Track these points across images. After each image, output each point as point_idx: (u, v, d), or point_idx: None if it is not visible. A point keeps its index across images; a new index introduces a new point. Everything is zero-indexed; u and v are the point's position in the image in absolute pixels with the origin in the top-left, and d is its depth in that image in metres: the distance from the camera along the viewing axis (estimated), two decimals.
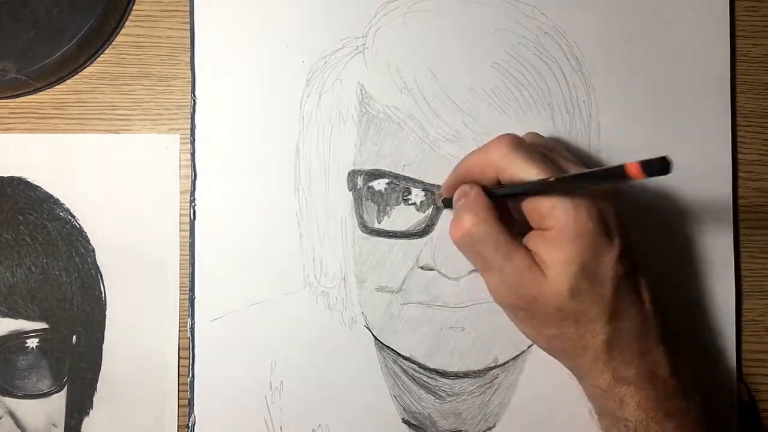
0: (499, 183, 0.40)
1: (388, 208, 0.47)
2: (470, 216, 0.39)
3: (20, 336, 0.46)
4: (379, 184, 0.47)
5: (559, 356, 0.41)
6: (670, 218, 0.48)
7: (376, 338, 0.47)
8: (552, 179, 0.36)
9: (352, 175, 0.47)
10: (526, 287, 0.38)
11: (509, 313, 0.41)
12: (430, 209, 0.46)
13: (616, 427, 0.39)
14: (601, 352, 0.38)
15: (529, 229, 0.39)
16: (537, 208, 0.38)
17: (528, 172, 0.37)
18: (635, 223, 0.47)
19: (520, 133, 0.47)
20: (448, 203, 0.44)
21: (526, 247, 0.38)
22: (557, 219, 0.37)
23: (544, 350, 0.41)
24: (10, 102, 0.47)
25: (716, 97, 0.48)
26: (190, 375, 0.46)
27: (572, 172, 0.39)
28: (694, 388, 0.40)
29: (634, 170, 0.31)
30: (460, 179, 0.42)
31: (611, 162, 0.47)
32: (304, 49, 0.47)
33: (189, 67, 0.47)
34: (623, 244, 0.38)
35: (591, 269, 0.37)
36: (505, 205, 0.41)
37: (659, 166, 0.29)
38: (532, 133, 0.44)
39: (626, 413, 0.38)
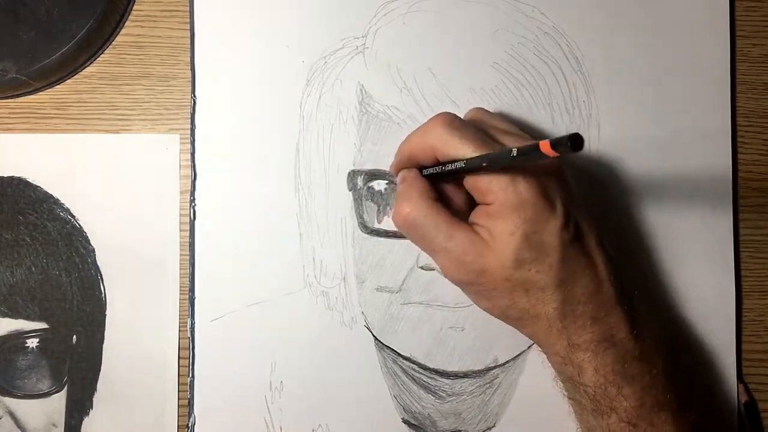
0: (439, 162, 0.40)
1: (388, 208, 0.47)
2: (406, 202, 0.39)
3: (20, 336, 0.46)
4: (379, 184, 0.47)
5: (516, 326, 0.41)
6: (670, 218, 0.48)
7: (376, 338, 0.47)
8: (479, 161, 0.36)
9: (352, 175, 0.47)
10: (472, 262, 0.38)
11: (463, 290, 0.41)
12: None
13: (577, 392, 0.39)
14: (554, 319, 0.38)
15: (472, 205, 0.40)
16: (476, 184, 0.38)
17: (463, 150, 0.37)
18: (635, 223, 0.47)
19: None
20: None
21: (470, 223, 0.39)
22: (496, 194, 0.37)
23: (503, 320, 0.41)
24: (10, 102, 0.47)
25: (716, 97, 0.48)
26: (190, 375, 0.46)
27: (507, 143, 0.39)
28: (658, 351, 0.39)
29: (545, 148, 0.31)
30: (402, 162, 0.42)
31: (611, 161, 0.47)
32: (304, 49, 0.47)
33: (189, 67, 0.47)
34: (566, 210, 0.38)
35: (535, 238, 0.37)
36: (452, 182, 0.41)
37: (570, 143, 0.29)
38: (477, 108, 0.44)
39: (584, 379, 0.38)
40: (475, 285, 0.39)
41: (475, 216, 0.39)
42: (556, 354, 0.39)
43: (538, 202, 0.37)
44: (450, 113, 0.40)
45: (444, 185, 0.41)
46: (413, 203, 0.39)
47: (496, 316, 0.41)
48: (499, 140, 0.39)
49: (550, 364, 0.41)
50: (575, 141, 0.30)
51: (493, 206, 0.38)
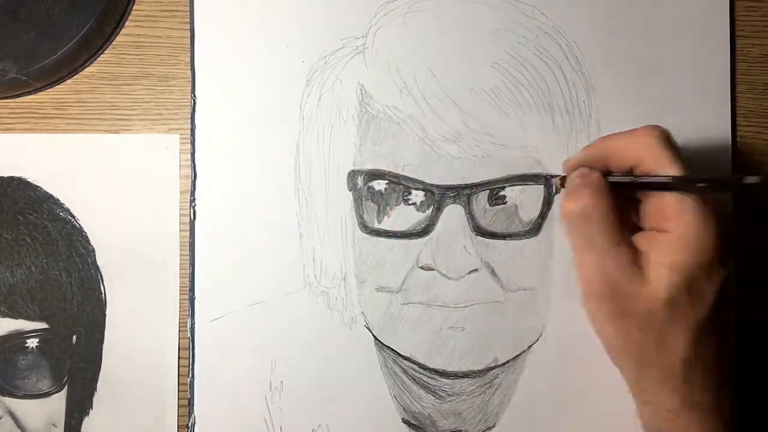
0: (628, 174, 0.39)
1: (388, 208, 0.47)
2: (590, 192, 0.37)
3: (20, 336, 0.46)
4: (379, 184, 0.47)
5: (628, 363, 0.39)
6: None
7: (376, 338, 0.47)
8: (693, 178, 0.35)
9: (352, 175, 0.47)
10: (623, 281, 0.36)
11: (592, 302, 0.38)
12: (430, 209, 0.46)
13: None
14: (678, 371, 0.36)
15: (635, 231, 0.38)
16: (662, 207, 0.36)
17: (670, 168, 0.36)
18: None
19: (521, 134, 0.47)
20: (564, 183, 0.41)
21: (633, 245, 0.37)
22: (681, 223, 0.35)
23: (613, 353, 0.39)
24: (10, 102, 0.47)
25: (716, 97, 0.48)
26: (190, 375, 0.46)
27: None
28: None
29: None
30: (591, 158, 0.40)
31: None
32: (304, 49, 0.47)
33: (189, 67, 0.47)
34: (729, 270, 0.37)
35: (696, 284, 0.35)
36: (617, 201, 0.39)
37: None
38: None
39: None
40: (611, 303, 0.37)
41: (642, 239, 0.37)
42: (662, 406, 0.37)
43: (716, 249, 0.35)
44: (663, 128, 0.38)
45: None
46: (597, 198, 0.37)
47: (610, 345, 0.39)
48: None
49: (641, 415, 0.39)
50: None
51: (669, 235, 0.36)
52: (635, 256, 0.36)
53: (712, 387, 0.37)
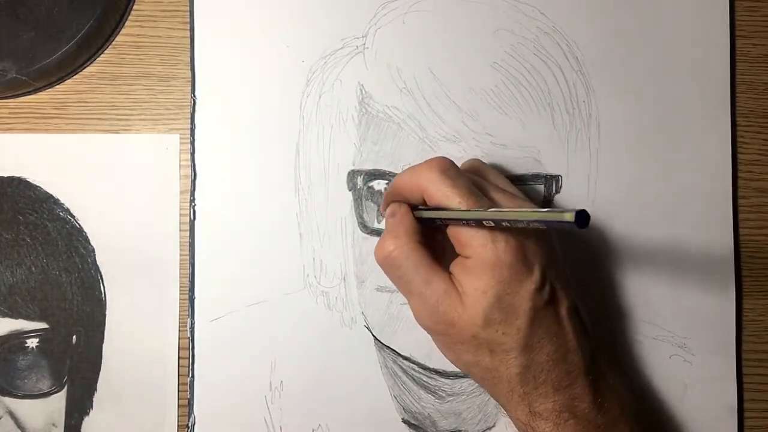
0: (423, 205, 0.40)
1: None
2: (392, 238, 0.39)
3: (20, 336, 0.46)
4: (379, 184, 0.47)
5: (480, 383, 0.41)
6: (669, 218, 0.48)
7: (376, 338, 0.47)
8: (466, 219, 0.36)
9: (352, 175, 0.47)
10: (443, 312, 0.38)
11: (432, 337, 0.40)
12: None
13: None
14: (516, 384, 0.38)
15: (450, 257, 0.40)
16: (458, 236, 0.38)
17: (451, 200, 0.37)
18: (635, 223, 0.47)
19: (521, 134, 0.47)
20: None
21: (449, 272, 0.38)
22: (475, 249, 0.37)
23: (466, 374, 0.41)
24: (10, 102, 0.47)
25: (716, 97, 0.48)
26: (190, 375, 0.46)
27: (501, 205, 0.38)
28: (624, 418, 0.39)
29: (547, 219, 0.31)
30: (392, 196, 0.42)
31: (610, 161, 0.47)
32: (304, 49, 0.47)
33: (189, 67, 0.47)
34: (543, 275, 0.37)
35: (506, 300, 0.37)
36: (433, 227, 0.40)
37: (577, 222, 0.29)
38: (474, 159, 0.44)
39: None
40: (443, 335, 0.39)
41: (454, 267, 0.39)
42: (518, 419, 0.39)
43: (515, 264, 0.37)
44: (447, 159, 0.39)
45: (430, 227, 0.40)
46: (398, 242, 0.39)
47: (459, 369, 0.41)
48: (491, 197, 0.39)
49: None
50: (582, 219, 0.29)
51: (470, 261, 0.37)
52: (451, 285, 0.38)
53: (555, 392, 0.38)
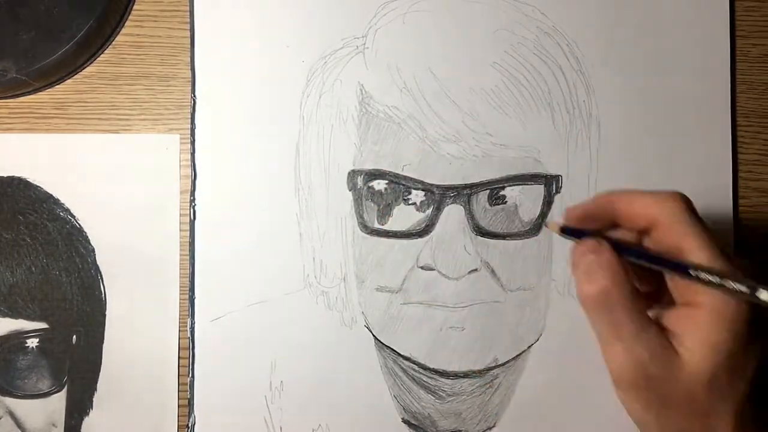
0: (637, 237, 0.35)
1: (388, 208, 0.47)
2: (608, 273, 0.33)
3: (20, 336, 0.46)
4: (379, 184, 0.47)
5: None
6: None
7: (376, 338, 0.47)
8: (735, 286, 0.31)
9: (352, 175, 0.47)
10: (658, 366, 0.33)
11: (627, 392, 0.34)
12: (430, 209, 0.46)
13: None
14: None
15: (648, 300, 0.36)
16: (688, 281, 0.33)
17: (700, 256, 0.32)
18: None
19: (521, 134, 0.47)
20: (569, 232, 0.36)
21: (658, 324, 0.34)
22: (713, 297, 0.32)
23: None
24: (10, 102, 0.47)
25: (716, 97, 0.48)
26: (190, 375, 0.46)
27: (737, 263, 0.33)
28: None
29: None
30: (600, 208, 0.36)
31: (611, 161, 0.47)
32: (304, 49, 0.47)
33: (189, 67, 0.47)
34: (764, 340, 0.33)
35: (736, 360, 0.32)
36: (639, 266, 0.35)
37: None
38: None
39: None
40: (648, 392, 0.33)
41: (669, 317, 0.34)
42: None
43: (749, 321, 0.32)
44: (687, 197, 0.34)
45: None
46: (616, 279, 0.33)
47: None
48: (727, 253, 0.33)
49: None
50: None
51: (700, 311, 0.32)
52: (666, 338, 0.33)
53: None
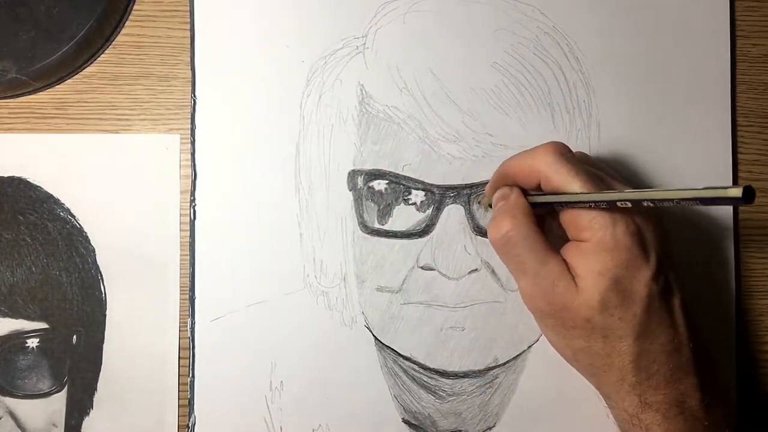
0: (538, 189, 0.40)
1: (388, 208, 0.47)
2: (509, 218, 0.39)
3: (20, 336, 0.46)
4: (379, 184, 0.47)
5: (585, 371, 0.40)
6: (669, 218, 0.48)
7: (376, 338, 0.47)
8: (598, 201, 0.36)
9: (352, 175, 0.47)
10: (557, 294, 0.37)
11: (538, 319, 0.40)
12: (430, 209, 0.46)
13: None
14: (628, 372, 0.37)
15: (563, 240, 0.39)
16: (575, 219, 0.37)
17: (572, 184, 0.37)
18: None
19: (521, 134, 0.47)
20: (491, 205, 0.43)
21: (562, 257, 0.38)
22: (594, 232, 0.37)
23: (570, 363, 0.40)
24: (10, 102, 0.47)
25: (716, 97, 0.48)
26: (190, 375, 0.46)
27: (619, 189, 0.38)
28: (728, 423, 0.38)
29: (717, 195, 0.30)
30: (501, 180, 0.41)
31: (611, 161, 0.47)
32: (304, 49, 0.47)
33: (189, 67, 0.47)
34: (659, 262, 0.37)
35: (624, 284, 0.36)
36: (541, 213, 0.40)
37: (744, 198, 0.29)
38: (582, 152, 0.44)
39: None
40: (553, 318, 0.38)
41: (566, 251, 0.38)
42: (624, 410, 0.38)
43: (633, 248, 0.36)
44: (562, 143, 0.39)
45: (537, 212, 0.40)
46: (516, 221, 0.38)
47: (565, 357, 0.40)
48: (611, 184, 0.38)
49: (613, 417, 0.40)
50: (748, 195, 0.29)
51: (587, 244, 0.37)
52: (565, 268, 0.38)
53: (667, 385, 0.37)
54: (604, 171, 0.40)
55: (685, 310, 0.39)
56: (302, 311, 0.46)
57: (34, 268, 0.46)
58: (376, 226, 0.47)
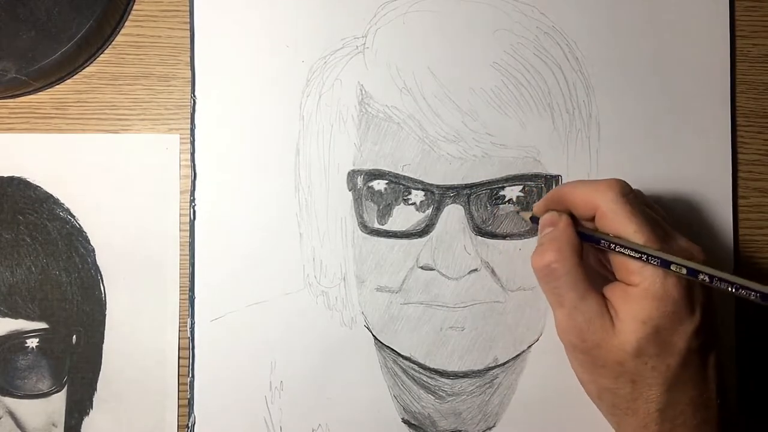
0: (591, 220, 0.39)
1: (388, 208, 0.47)
2: (554, 250, 0.39)
3: (20, 336, 0.46)
4: (379, 184, 0.47)
5: (608, 411, 0.40)
6: (669, 218, 0.48)
7: (375, 338, 0.47)
8: (658, 258, 0.36)
9: (352, 175, 0.47)
10: (592, 332, 0.37)
11: (569, 352, 0.40)
12: (430, 209, 0.46)
13: None
14: (652, 420, 0.37)
15: (605, 277, 0.39)
16: (626, 262, 0.37)
17: (627, 227, 0.37)
18: None
19: (521, 134, 0.47)
20: (536, 221, 0.43)
21: (603, 295, 0.38)
22: (644, 278, 0.36)
23: (593, 400, 0.41)
24: (10, 102, 0.47)
25: (716, 97, 0.48)
26: (190, 375, 0.46)
27: (680, 248, 0.38)
28: None
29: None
30: (554, 202, 0.41)
31: (611, 161, 0.47)
32: (304, 49, 0.47)
33: (189, 67, 0.47)
34: (703, 317, 0.37)
35: (663, 336, 0.36)
36: (588, 246, 0.40)
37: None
38: (638, 190, 0.43)
39: None
40: (585, 355, 0.38)
41: (611, 291, 0.38)
42: None
43: (680, 301, 0.36)
44: (626, 183, 0.39)
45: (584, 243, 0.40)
46: (561, 255, 0.38)
47: (589, 392, 0.40)
48: (667, 232, 0.38)
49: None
50: None
51: (635, 289, 0.37)
52: (604, 307, 0.38)
53: None
54: (658, 214, 0.40)
55: (719, 366, 0.38)
56: (302, 311, 0.46)
57: (33, 268, 0.46)
58: (376, 226, 0.47)
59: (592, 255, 0.43)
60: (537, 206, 0.43)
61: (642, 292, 0.37)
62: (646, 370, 0.37)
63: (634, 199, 0.38)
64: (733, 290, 0.33)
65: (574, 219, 0.40)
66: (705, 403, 0.38)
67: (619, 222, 0.37)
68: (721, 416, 0.38)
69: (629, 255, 0.37)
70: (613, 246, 0.38)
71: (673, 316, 0.36)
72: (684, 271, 0.35)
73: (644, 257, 0.36)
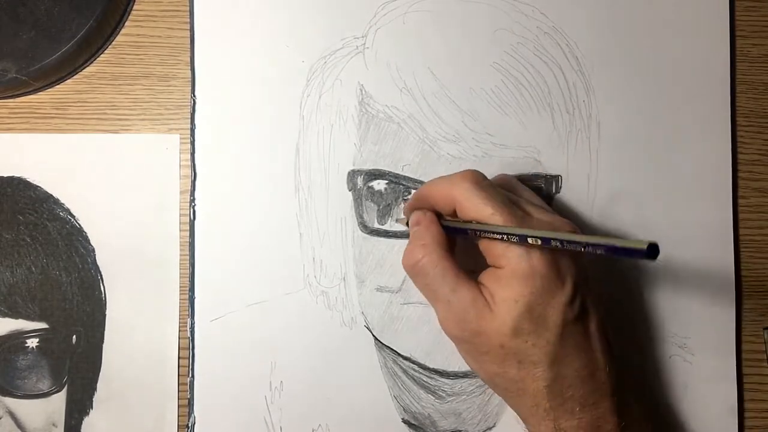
0: (455, 214, 0.40)
1: (388, 208, 0.47)
2: (420, 247, 0.39)
3: (20, 336, 0.46)
4: (379, 184, 0.47)
5: (502, 395, 0.40)
6: (669, 218, 0.48)
7: (376, 338, 0.47)
8: (509, 233, 0.36)
9: (352, 175, 0.47)
10: (470, 320, 0.37)
11: (456, 344, 0.40)
12: None
13: None
14: (542, 398, 0.37)
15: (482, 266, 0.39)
16: (491, 247, 0.38)
17: (483, 211, 0.37)
18: (634, 223, 0.47)
19: (521, 134, 0.47)
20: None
21: (476, 282, 0.38)
22: (509, 259, 0.37)
23: (489, 386, 0.41)
24: (10, 102, 0.47)
25: (716, 97, 0.48)
26: (190, 375, 0.46)
27: (537, 219, 0.38)
28: None
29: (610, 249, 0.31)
30: (419, 203, 0.42)
31: (611, 161, 0.47)
32: (304, 49, 0.47)
33: (189, 67, 0.47)
34: (575, 288, 0.37)
35: (537, 311, 0.37)
36: (465, 236, 0.40)
37: (647, 253, 0.29)
38: (504, 174, 0.44)
39: None
40: (468, 344, 0.39)
41: (484, 277, 0.39)
42: None
43: (548, 275, 0.37)
44: (479, 172, 0.40)
45: (455, 237, 0.41)
46: (426, 249, 0.39)
47: (483, 380, 0.41)
48: (527, 211, 0.39)
49: None
50: (652, 251, 0.29)
51: (503, 270, 0.37)
52: (478, 294, 0.38)
53: (582, 409, 0.37)
54: (520, 195, 0.41)
55: (603, 333, 0.39)
56: (302, 311, 0.46)
57: (33, 268, 0.46)
58: (376, 226, 0.47)
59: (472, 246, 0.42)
60: (405, 208, 0.44)
61: (510, 273, 0.37)
62: (528, 348, 0.37)
63: (489, 185, 0.39)
64: (583, 249, 0.32)
65: (440, 215, 0.41)
66: (591, 373, 0.38)
67: (476, 208, 0.38)
68: (612, 383, 0.38)
69: (492, 238, 0.37)
70: (477, 233, 0.38)
71: (543, 291, 0.36)
72: (539, 241, 0.35)
73: (504, 237, 0.36)
